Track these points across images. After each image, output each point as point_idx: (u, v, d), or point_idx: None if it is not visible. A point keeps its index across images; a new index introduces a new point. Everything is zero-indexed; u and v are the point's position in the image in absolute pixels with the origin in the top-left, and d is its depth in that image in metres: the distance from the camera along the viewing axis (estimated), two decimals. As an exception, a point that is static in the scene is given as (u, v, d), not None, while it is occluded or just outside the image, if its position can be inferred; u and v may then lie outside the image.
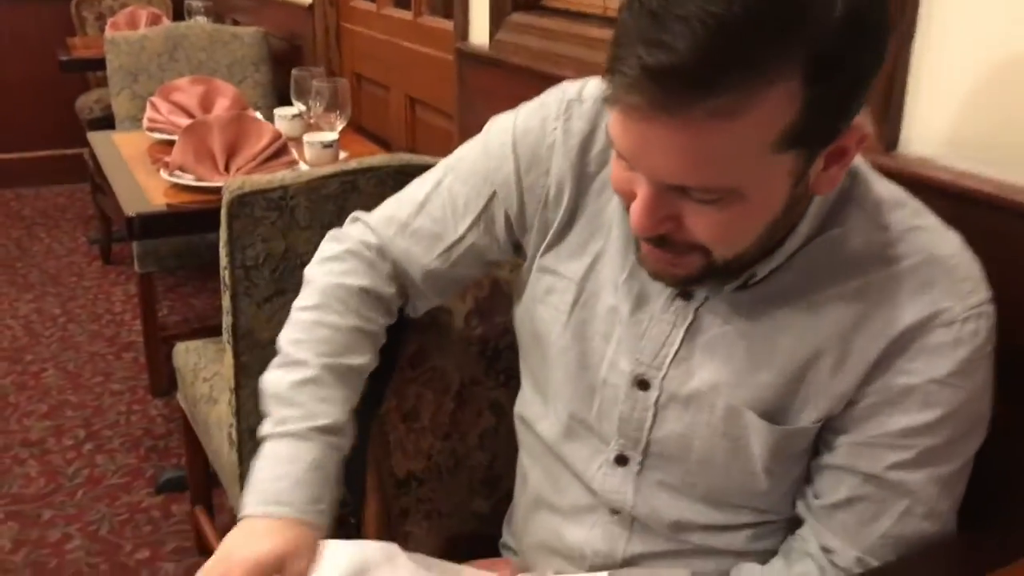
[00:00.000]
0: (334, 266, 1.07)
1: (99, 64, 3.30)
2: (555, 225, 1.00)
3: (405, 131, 2.62)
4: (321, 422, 0.97)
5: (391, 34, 2.65)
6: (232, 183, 1.40)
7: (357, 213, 1.13)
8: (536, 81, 1.72)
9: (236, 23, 3.52)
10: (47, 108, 4.66)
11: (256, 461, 0.96)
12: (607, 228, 0.97)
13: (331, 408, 0.99)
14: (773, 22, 0.68)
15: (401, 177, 1.46)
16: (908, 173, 1.01)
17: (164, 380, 2.78)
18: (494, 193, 1.02)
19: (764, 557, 0.97)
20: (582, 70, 1.60)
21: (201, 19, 3.60)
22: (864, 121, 1.03)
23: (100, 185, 3.32)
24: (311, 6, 3.13)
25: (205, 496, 2.14)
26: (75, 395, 2.86)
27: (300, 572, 0.89)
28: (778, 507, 0.96)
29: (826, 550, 0.91)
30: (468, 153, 1.05)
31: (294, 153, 2.12)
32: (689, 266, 0.84)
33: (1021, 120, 0.95)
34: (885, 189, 0.89)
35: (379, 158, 1.46)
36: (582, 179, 0.98)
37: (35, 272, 3.80)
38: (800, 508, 0.94)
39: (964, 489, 0.90)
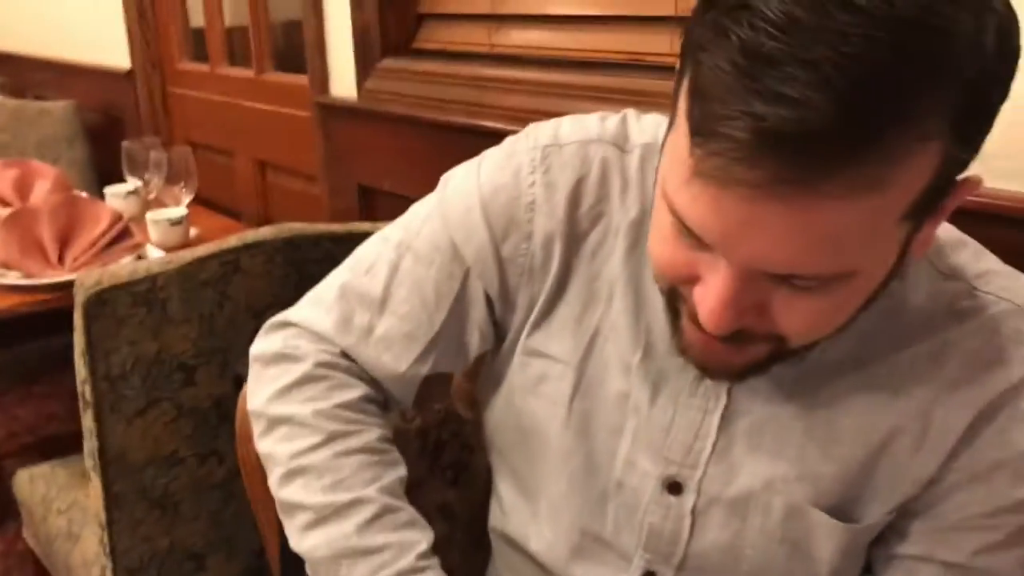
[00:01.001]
0: (313, 390, 0.84)
1: None
2: (542, 298, 0.82)
3: (256, 199, 2.38)
4: (422, 548, 0.80)
5: (230, 95, 2.41)
6: (86, 279, 1.14)
7: (286, 317, 0.89)
8: (424, 129, 1.55)
9: (39, 98, 3.17)
10: None
11: None
12: (606, 297, 0.80)
13: (419, 533, 0.81)
14: (925, 63, 0.52)
15: (290, 251, 1.25)
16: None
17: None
18: (468, 271, 0.83)
19: None
20: (475, 114, 1.44)
21: (-2, 96, 3.23)
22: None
23: None
24: (130, 72, 2.83)
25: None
26: None
27: None
28: None
29: None
30: (425, 226, 0.85)
31: (137, 235, 1.85)
32: (753, 355, 0.68)
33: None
34: (940, 227, 0.73)
35: (264, 231, 1.24)
36: (572, 240, 0.80)
37: None
38: None
39: None
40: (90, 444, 1.25)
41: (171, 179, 2.01)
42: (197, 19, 2.60)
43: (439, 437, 1.08)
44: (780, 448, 0.75)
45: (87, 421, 1.23)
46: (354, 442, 0.83)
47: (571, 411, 0.81)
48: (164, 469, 1.29)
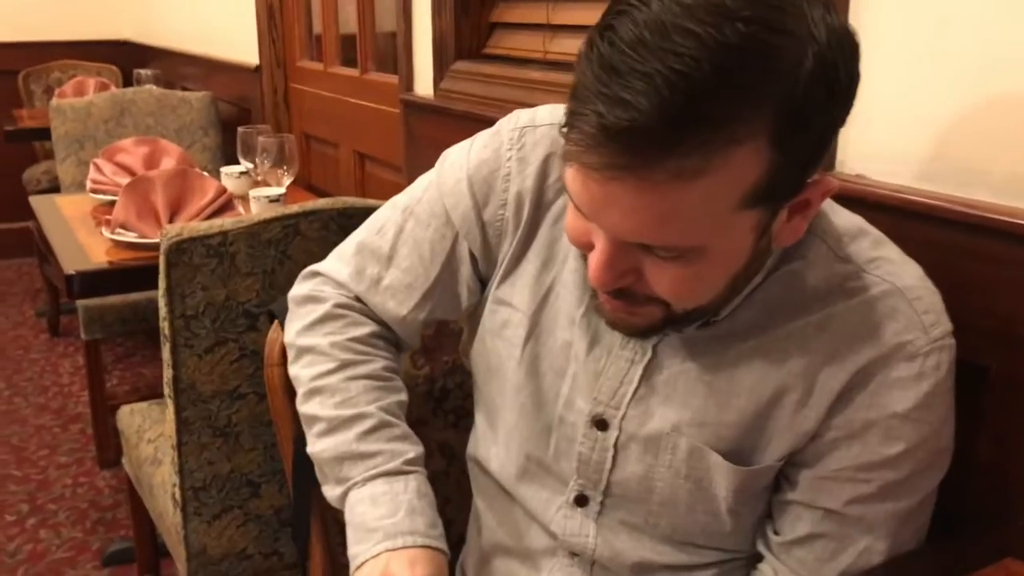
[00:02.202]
0: (331, 326, 1.02)
1: (45, 134, 3.26)
2: (510, 253, 0.97)
3: (355, 187, 2.61)
4: (409, 456, 0.96)
5: (338, 92, 2.65)
6: (170, 230, 1.36)
7: (316, 268, 1.07)
8: (481, 126, 1.71)
9: (185, 89, 3.51)
10: (-7, 182, 4.59)
11: (349, 516, 0.93)
12: (561, 259, 0.94)
13: (408, 445, 0.97)
14: (740, 81, 0.65)
15: (344, 220, 1.44)
16: (848, 192, 1.01)
17: (112, 451, 2.70)
18: (457, 235, 0.98)
19: None
20: (525, 112, 1.60)
21: (150, 86, 3.58)
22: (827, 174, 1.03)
23: (47, 257, 3.27)
24: (258, 68, 3.13)
25: (153, 566, 2.06)
26: (19, 469, 2.76)
27: None
28: (741, 545, 0.93)
29: None
30: (425, 194, 1.01)
31: (240, 209, 2.09)
32: (648, 316, 0.82)
33: (952, 134, 0.96)
34: (844, 219, 0.87)
35: (322, 201, 1.44)
36: (538, 208, 0.95)
37: (-20, 346, 3.70)
38: (760, 545, 0.91)
39: (927, 522, 0.88)
40: (167, 374, 1.47)
41: (276, 163, 2.25)
42: (317, 26, 2.87)
43: (444, 385, 1.24)
44: (688, 398, 0.88)
45: (165, 354, 1.45)
46: (361, 369, 1.00)
47: (524, 353, 0.95)
48: (228, 402, 1.50)
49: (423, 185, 1.02)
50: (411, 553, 0.88)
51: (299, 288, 1.07)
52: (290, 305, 1.07)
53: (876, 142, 1.03)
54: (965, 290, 0.90)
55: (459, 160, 0.98)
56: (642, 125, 0.64)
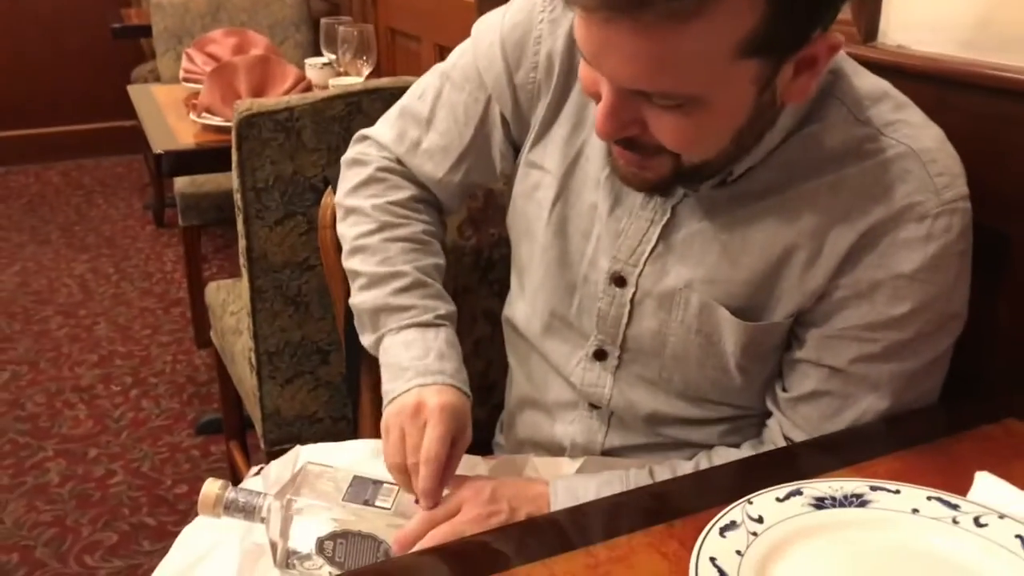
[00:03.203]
0: (374, 188, 1.08)
1: (149, 31, 3.37)
2: (541, 116, 0.99)
3: (435, 81, 2.65)
4: (441, 311, 1.02)
5: (421, -16, 2.68)
6: (241, 105, 1.44)
7: (364, 131, 1.13)
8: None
9: (280, -13, 3.58)
10: (106, 81, 4.78)
11: (384, 357, 1.00)
12: (590, 124, 0.96)
13: (441, 302, 1.03)
14: None
15: (404, 98, 1.49)
16: (888, 63, 1.00)
17: (207, 332, 2.86)
18: (490, 97, 1.01)
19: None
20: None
21: (246, -16, 3.66)
22: (845, 26, 1.03)
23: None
24: (348, -37, 3.17)
25: (239, 435, 2.21)
26: (124, 346, 2.97)
27: (468, 440, 0.96)
28: (752, 403, 0.96)
29: (789, 441, 0.91)
30: (460, 58, 1.05)
31: (320, 97, 2.16)
32: (658, 169, 0.84)
33: (999, 2, 0.94)
34: (868, 83, 0.87)
35: (383, 80, 1.49)
36: (570, 72, 0.96)
37: (92, 235, 3.93)
38: (768, 401, 0.95)
39: (936, 387, 0.90)
40: (241, 244, 1.56)
41: (356, 53, 2.30)
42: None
43: (490, 256, 1.29)
44: (702, 256, 0.91)
45: (239, 225, 1.55)
46: (400, 232, 1.06)
47: (552, 214, 0.99)
48: (297, 272, 1.59)
49: (459, 51, 1.06)
50: (439, 388, 0.94)
51: (349, 151, 1.13)
52: (341, 167, 1.13)
53: (917, 12, 1.02)
54: (1003, 158, 0.90)
55: (494, 23, 1.01)
56: None
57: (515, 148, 1.05)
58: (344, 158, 1.13)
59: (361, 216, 1.07)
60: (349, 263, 1.07)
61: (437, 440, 0.90)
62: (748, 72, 0.75)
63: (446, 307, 1.04)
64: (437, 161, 1.07)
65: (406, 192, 1.09)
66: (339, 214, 1.11)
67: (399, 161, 1.09)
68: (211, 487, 0.89)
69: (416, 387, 0.95)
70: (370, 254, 1.05)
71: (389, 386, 0.97)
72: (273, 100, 1.45)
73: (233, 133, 1.45)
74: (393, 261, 1.04)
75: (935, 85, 0.96)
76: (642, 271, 0.94)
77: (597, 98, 0.81)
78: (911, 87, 0.88)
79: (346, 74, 2.33)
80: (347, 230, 1.08)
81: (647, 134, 0.80)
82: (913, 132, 0.84)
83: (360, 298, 1.04)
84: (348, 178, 1.10)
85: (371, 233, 1.06)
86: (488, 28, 1.02)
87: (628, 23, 0.70)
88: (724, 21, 0.70)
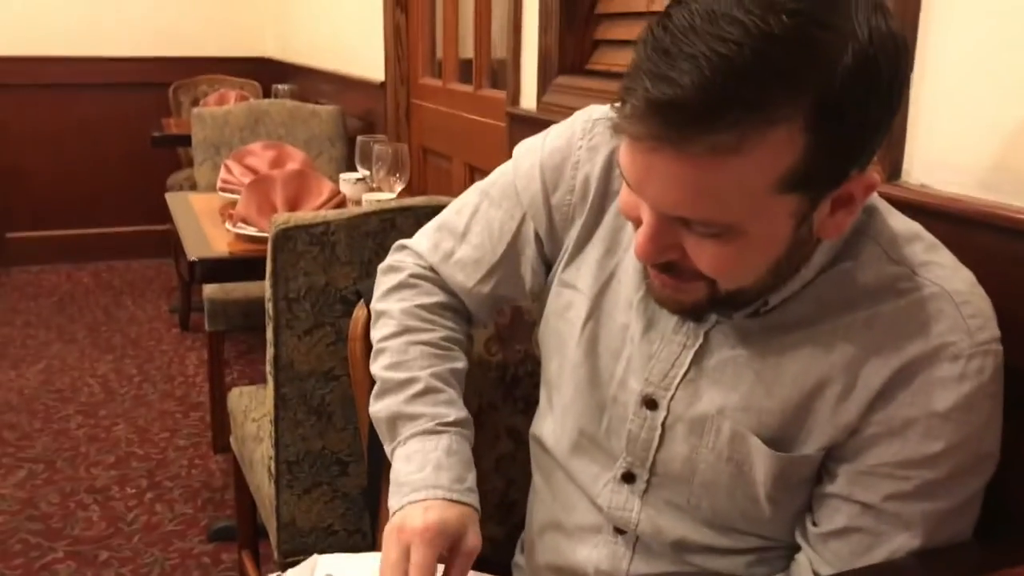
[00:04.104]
0: (404, 293, 1.11)
1: (187, 141, 3.50)
2: (575, 238, 1.03)
3: (465, 198, 2.72)
4: (448, 419, 1.02)
5: (454, 107, 2.78)
6: (278, 218, 1.48)
7: (403, 241, 1.17)
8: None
9: (318, 103, 3.71)
10: (142, 186, 4.92)
11: (391, 472, 1.01)
12: (624, 246, 0.99)
13: (451, 409, 1.04)
14: (779, 67, 0.70)
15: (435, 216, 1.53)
16: (911, 201, 1.03)
17: (225, 438, 2.86)
18: (525, 215, 1.05)
19: None
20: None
21: (285, 100, 3.80)
22: (874, 170, 1.06)
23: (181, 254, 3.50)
24: (383, 84, 3.29)
25: (252, 544, 2.19)
26: (142, 448, 2.97)
27: (472, 546, 0.94)
28: (781, 534, 0.95)
29: None
30: (500, 178, 1.09)
31: (353, 211, 2.22)
32: (694, 294, 0.86)
33: (1014, 145, 0.97)
34: (901, 223, 0.90)
35: (417, 199, 1.54)
36: (605, 196, 1.00)
37: (118, 336, 3.97)
38: (798, 535, 0.94)
39: (969, 528, 0.89)
40: (269, 352, 1.59)
41: (390, 170, 2.38)
42: (439, 47, 3.02)
43: (516, 373, 1.30)
44: (735, 383, 0.91)
45: (268, 333, 1.57)
46: (422, 336, 1.08)
47: (583, 333, 1.01)
48: (323, 382, 1.61)
49: (501, 170, 1.11)
50: (427, 503, 0.94)
51: (387, 259, 1.17)
52: (377, 274, 1.17)
53: (939, 152, 1.05)
54: (1018, 300, 0.92)
55: (534, 147, 1.06)
56: (682, 100, 0.70)
57: (547, 266, 1.08)
58: (381, 265, 1.17)
59: (388, 319, 1.10)
60: (372, 367, 1.09)
61: (418, 567, 0.89)
62: (787, 206, 0.77)
63: (456, 413, 1.04)
64: (468, 272, 1.10)
65: (434, 298, 1.11)
66: (372, 319, 1.14)
67: (432, 269, 1.12)
68: None
69: (408, 504, 0.95)
70: (388, 356, 1.07)
71: (391, 501, 0.98)
72: (310, 214, 1.49)
73: (269, 244, 1.49)
74: (409, 366, 1.06)
75: (952, 222, 0.99)
76: (674, 395, 0.94)
77: (637, 223, 0.83)
78: (934, 226, 0.90)
79: (379, 190, 2.39)
80: (375, 333, 1.11)
81: (685, 259, 0.82)
82: (946, 274, 0.86)
83: (376, 407, 1.06)
84: (382, 284, 1.14)
85: (393, 336, 1.08)
86: (528, 151, 1.07)
87: (672, 153, 0.73)
88: (764, 157, 0.73)
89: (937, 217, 0.99)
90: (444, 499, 0.95)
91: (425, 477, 0.97)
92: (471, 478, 1.00)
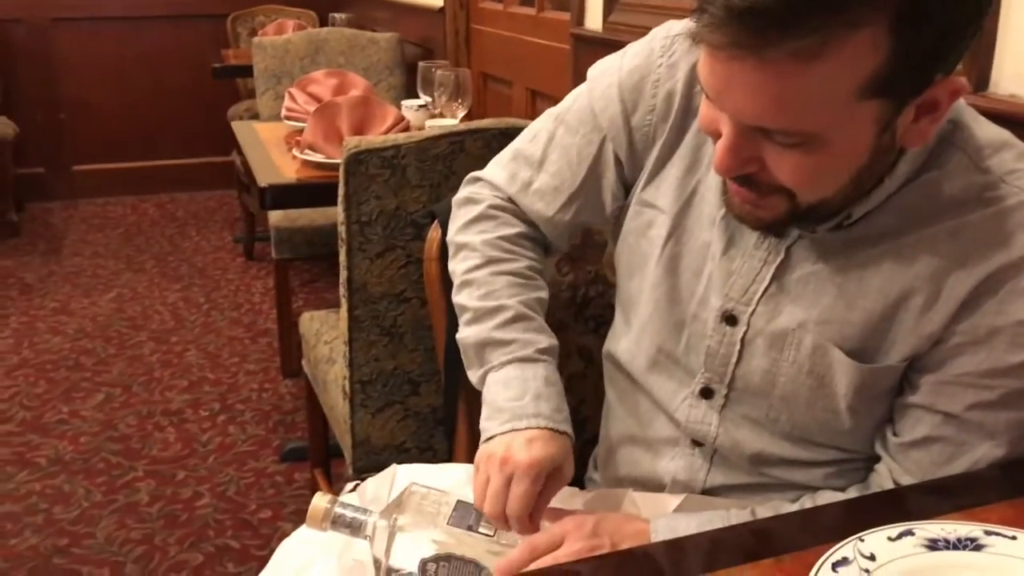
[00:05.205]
0: (484, 225, 1.11)
1: (248, 71, 3.52)
2: (655, 156, 1.01)
3: (526, 124, 2.71)
4: (541, 345, 1.04)
5: (515, 31, 2.75)
6: (349, 142, 1.49)
7: (477, 173, 1.16)
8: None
9: (375, 31, 3.70)
10: (202, 118, 4.99)
11: (485, 394, 1.02)
12: (707, 163, 0.98)
13: (543, 336, 1.05)
14: None
15: (505, 140, 1.50)
16: (999, 112, 1.01)
17: (294, 362, 2.94)
18: (604, 138, 1.04)
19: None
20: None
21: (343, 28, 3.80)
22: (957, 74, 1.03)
23: (247, 187, 3.54)
24: (442, 9, 3.26)
25: (324, 463, 2.25)
26: (213, 373, 3.06)
27: (568, 476, 0.98)
28: (859, 446, 0.96)
29: (898, 487, 0.91)
30: (575, 102, 1.08)
31: (417, 137, 2.23)
32: (774, 209, 0.85)
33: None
34: (989, 131, 0.88)
35: (486, 121, 1.53)
36: (687, 113, 0.99)
37: (184, 266, 4.06)
38: (878, 446, 0.94)
39: None
40: (342, 275, 1.62)
41: (452, 96, 2.37)
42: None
43: (586, 293, 1.31)
44: (817, 297, 0.91)
45: (341, 256, 1.60)
46: (506, 267, 1.09)
47: (663, 252, 1.01)
48: (394, 304, 1.64)
49: (575, 95, 1.09)
50: (531, 433, 0.95)
51: (461, 191, 1.16)
52: (453, 206, 1.17)
53: (1030, 62, 1.02)
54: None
55: (611, 67, 1.04)
56: (762, 5, 0.69)
57: (626, 189, 1.07)
58: (456, 198, 1.16)
59: (470, 251, 1.10)
60: (457, 298, 1.10)
61: (519, 498, 0.92)
62: (870, 113, 0.76)
63: (548, 340, 1.05)
64: (548, 200, 1.09)
65: (515, 229, 1.11)
66: (450, 251, 1.14)
67: (511, 200, 1.12)
68: (320, 501, 0.92)
69: (509, 431, 0.96)
70: (476, 288, 1.08)
71: (486, 424, 0.99)
72: (380, 138, 1.50)
73: (341, 169, 1.51)
74: (498, 295, 1.07)
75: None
76: (754, 310, 0.94)
77: (716, 136, 0.83)
78: (1021, 135, 0.88)
79: (442, 116, 2.39)
80: (456, 266, 1.11)
81: (765, 172, 0.81)
82: None
83: (465, 333, 1.07)
84: (459, 216, 1.14)
85: (478, 267, 1.09)
86: (605, 72, 1.05)
87: (753, 61, 0.72)
88: (847, 62, 0.71)
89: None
90: (547, 428, 0.96)
91: (525, 405, 0.98)
92: (566, 408, 1.01)
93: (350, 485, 1.08)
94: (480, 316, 1.06)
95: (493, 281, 1.08)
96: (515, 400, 0.99)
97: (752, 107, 0.76)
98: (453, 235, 1.14)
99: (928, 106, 0.78)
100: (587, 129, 1.05)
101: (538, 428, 0.96)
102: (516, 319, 1.05)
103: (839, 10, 0.69)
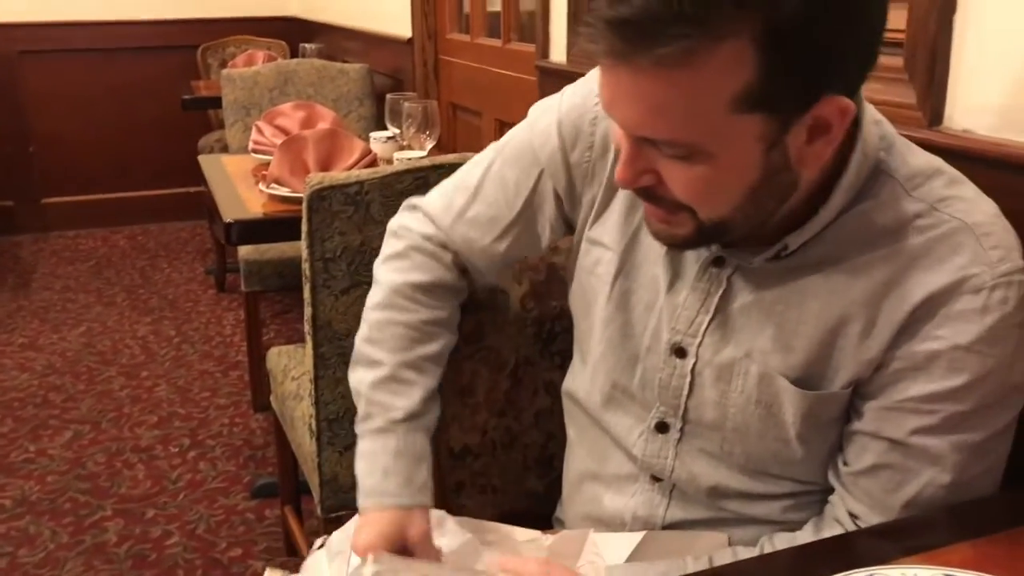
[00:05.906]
0: (398, 264, 1.12)
1: (218, 103, 3.50)
2: (599, 196, 1.03)
3: (495, 154, 2.72)
4: (396, 415, 1.06)
5: (483, 62, 2.76)
6: (312, 178, 1.49)
7: (413, 200, 1.16)
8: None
9: (345, 62, 3.70)
10: (173, 149, 4.95)
11: (356, 460, 1.07)
12: None
13: (406, 400, 1.06)
14: None
15: (470, 174, 1.53)
16: (953, 147, 1.02)
17: (265, 396, 2.90)
18: (542, 172, 1.05)
19: (800, 528, 0.97)
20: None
21: (312, 59, 3.79)
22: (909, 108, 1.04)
23: (214, 216, 3.53)
24: (411, 40, 3.27)
25: (294, 500, 2.23)
26: (183, 408, 3.02)
27: (417, 535, 1.01)
28: (814, 477, 0.96)
29: (853, 516, 0.91)
30: (515, 136, 1.09)
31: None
32: (683, 225, 0.86)
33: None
34: (920, 160, 0.89)
35: (449, 156, 1.53)
36: None
37: (155, 298, 4.03)
38: (831, 476, 0.95)
39: (1000, 462, 0.89)
40: (307, 312, 1.60)
41: (420, 127, 2.37)
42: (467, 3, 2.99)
43: (552, 328, 1.30)
44: (760, 327, 0.92)
45: (305, 293, 1.59)
46: (400, 316, 1.09)
47: (613, 288, 1.02)
48: (360, 341, 1.62)
49: (517, 129, 1.10)
50: (370, 517, 1.02)
51: (396, 217, 1.17)
52: (386, 232, 1.17)
53: (982, 97, 1.03)
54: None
55: (551, 106, 1.06)
56: (631, 16, 0.72)
57: (566, 224, 1.08)
58: (390, 223, 1.17)
59: (378, 288, 1.12)
60: (358, 331, 1.12)
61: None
62: (751, 128, 0.77)
63: (407, 406, 1.06)
64: (484, 230, 1.09)
65: (426, 276, 1.11)
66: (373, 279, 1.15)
67: (440, 241, 1.12)
68: None
69: (363, 506, 1.03)
70: (368, 329, 1.11)
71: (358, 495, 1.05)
72: (343, 174, 1.50)
73: (304, 205, 1.50)
74: (381, 346, 1.09)
75: (1000, 170, 0.97)
76: (701, 341, 0.95)
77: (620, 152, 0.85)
78: (977, 171, 0.89)
79: (410, 148, 2.39)
80: (368, 299, 1.13)
81: (663, 186, 0.83)
82: (967, 207, 0.86)
83: (350, 376, 1.11)
84: (385, 247, 1.15)
85: (377, 307, 1.11)
86: (545, 110, 1.06)
87: (626, 68, 0.75)
88: (715, 73, 0.73)
89: (980, 162, 0.98)
90: (391, 507, 1.01)
91: (375, 484, 1.03)
92: (421, 475, 1.05)
93: (319, 541, 1.08)
94: (360, 362, 1.10)
95: (383, 329, 1.09)
96: (367, 476, 1.05)
97: (633, 116, 0.79)
98: (376, 265, 1.15)
99: (820, 127, 0.79)
100: (526, 163, 1.06)
101: (380, 510, 1.01)
102: (387, 380, 1.07)
103: (700, 23, 0.71)
